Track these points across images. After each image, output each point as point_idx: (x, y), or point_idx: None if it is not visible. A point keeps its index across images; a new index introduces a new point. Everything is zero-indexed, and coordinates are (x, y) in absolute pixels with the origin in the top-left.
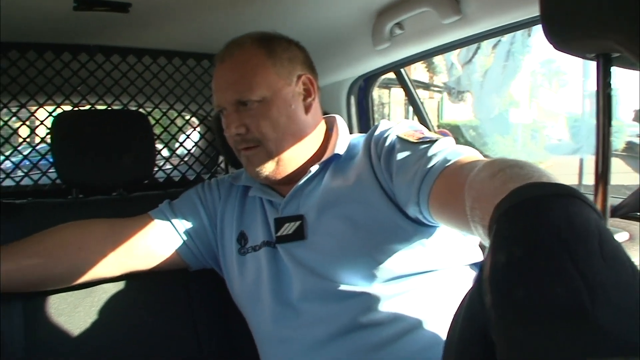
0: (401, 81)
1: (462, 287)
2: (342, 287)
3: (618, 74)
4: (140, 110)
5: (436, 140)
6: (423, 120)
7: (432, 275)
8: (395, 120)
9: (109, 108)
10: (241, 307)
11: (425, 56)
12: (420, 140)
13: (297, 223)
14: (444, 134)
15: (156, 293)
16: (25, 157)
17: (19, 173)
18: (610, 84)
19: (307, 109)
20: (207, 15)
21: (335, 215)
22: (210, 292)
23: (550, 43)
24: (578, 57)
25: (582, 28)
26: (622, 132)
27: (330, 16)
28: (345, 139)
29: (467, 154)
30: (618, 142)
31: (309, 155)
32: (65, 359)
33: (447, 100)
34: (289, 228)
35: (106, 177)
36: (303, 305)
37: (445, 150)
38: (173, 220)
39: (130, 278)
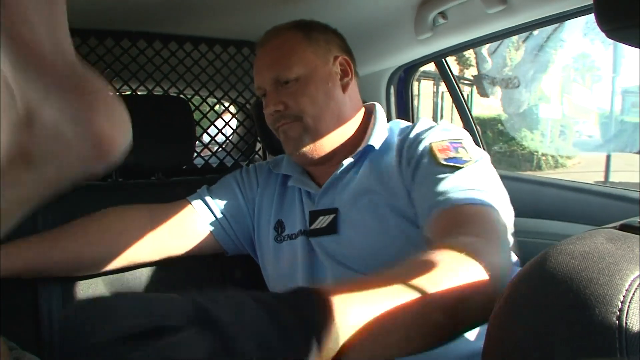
0: (442, 72)
1: None
2: None
3: None
4: (181, 96)
5: (460, 167)
6: (464, 113)
7: None
8: (432, 119)
9: (150, 94)
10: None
11: (468, 46)
12: (446, 163)
13: (331, 217)
14: None
15: (193, 277)
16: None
17: None
18: None
19: (344, 88)
20: (249, 3)
21: (367, 211)
22: (246, 278)
23: (603, 31)
24: (632, 46)
25: (637, 17)
26: None
27: (373, 4)
28: (382, 129)
29: (471, 203)
30: None
31: (346, 136)
32: None
33: (476, 94)
34: (322, 221)
35: (146, 162)
36: None
37: (457, 189)
38: (211, 205)
39: (168, 262)
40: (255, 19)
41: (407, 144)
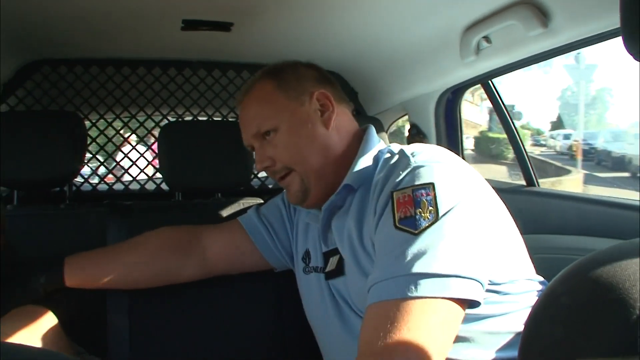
0: (489, 93)
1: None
2: None
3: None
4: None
5: (413, 234)
6: (510, 132)
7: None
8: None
9: (210, 119)
10: (310, 321)
11: (512, 68)
12: (400, 227)
13: (337, 257)
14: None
15: (246, 293)
16: (133, 162)
17: (129, 177)
18: None
19: (326, 124)
20: (306, 30)
21: (357, 254)
22: (296, 293)
23: (630, 54)
24: None
25: None
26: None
27: (420, 30)
28: (365, 163)
29: (404, 297)
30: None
31: (341, 168)
32: (162, 355)
33: None
34: (332, 263)
35: (206, 183)
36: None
37: (400, 271)
38: (260, 226)
39: (225, 279)
40: (310, 44)
41: (379, 187)
